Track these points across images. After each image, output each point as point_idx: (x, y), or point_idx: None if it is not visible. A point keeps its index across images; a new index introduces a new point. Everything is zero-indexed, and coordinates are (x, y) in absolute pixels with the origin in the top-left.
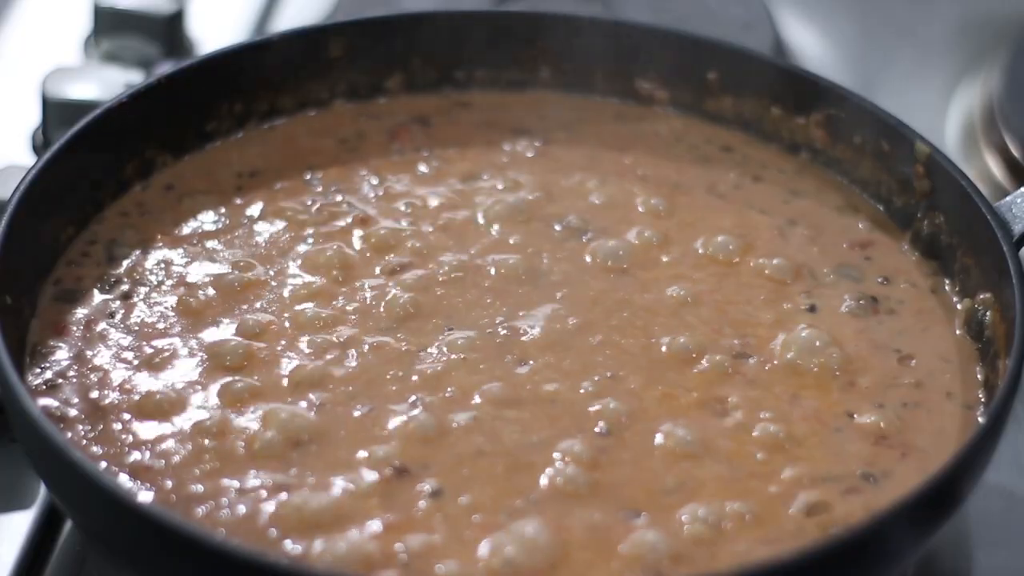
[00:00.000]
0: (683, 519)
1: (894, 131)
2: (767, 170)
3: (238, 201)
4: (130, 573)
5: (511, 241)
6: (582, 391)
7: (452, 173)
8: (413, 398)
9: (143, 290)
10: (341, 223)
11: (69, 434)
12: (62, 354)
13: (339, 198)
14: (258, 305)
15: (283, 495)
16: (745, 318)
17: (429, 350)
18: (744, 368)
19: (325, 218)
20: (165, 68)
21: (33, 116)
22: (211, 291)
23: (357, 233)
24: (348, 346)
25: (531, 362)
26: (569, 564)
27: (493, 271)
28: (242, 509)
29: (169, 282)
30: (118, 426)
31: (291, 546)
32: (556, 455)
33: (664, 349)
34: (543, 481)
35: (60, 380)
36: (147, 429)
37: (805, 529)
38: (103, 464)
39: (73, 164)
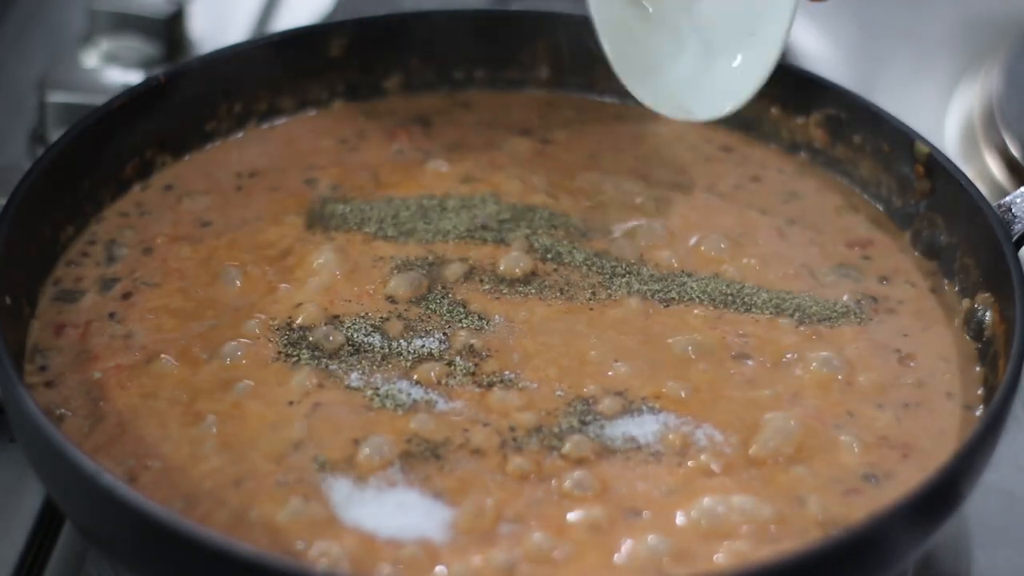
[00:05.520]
0: (684, 518)
1: (894, 131)
2: (767, 170)
3: (238, 201)
4: (130, 573)
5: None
6: (582, 390)
7: (452, 173)
8: (414, 396)
9: (143, 290)
10: (341, 223)
11: (69, 434)
12: (62, 354)
13: (339, 198)
14: (258, 305)
15: (283, 495)
16: (744, 318)
17: (431, 350)
18: (743, 368)
19: (325, 218)
20: (165, 68)
21: (32, 116)
22: (211, 291)
23: (358, 233)
24: (349, 344)
25: (531, 361)
26: (571, 563)
27: (492, 270)
28: (242, 509)
29: (168, 282)
30: (117, 426)
31: (291, 546)
32: (556, 453)
33: (663, 349)
34: (545, 481)
35: (60, 380)
36: (146, 429)
37: (806, 529)
38: (103, 464)
39: (73, 164)
